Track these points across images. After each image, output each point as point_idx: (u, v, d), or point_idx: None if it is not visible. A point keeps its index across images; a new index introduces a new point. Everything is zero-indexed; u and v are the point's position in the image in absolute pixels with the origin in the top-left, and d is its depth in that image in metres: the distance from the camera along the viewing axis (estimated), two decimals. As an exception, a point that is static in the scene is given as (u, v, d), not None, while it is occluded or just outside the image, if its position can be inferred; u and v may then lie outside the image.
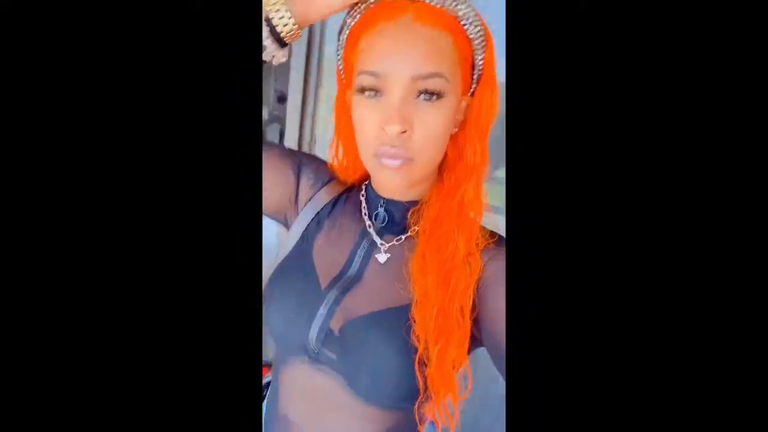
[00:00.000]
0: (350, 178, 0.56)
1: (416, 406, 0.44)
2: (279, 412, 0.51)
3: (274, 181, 0.54)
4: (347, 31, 0.45)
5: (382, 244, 0.50)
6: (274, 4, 0.44)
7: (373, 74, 0.41)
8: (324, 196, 0.55)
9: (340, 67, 0.49)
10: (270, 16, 0.44)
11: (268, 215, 0.56)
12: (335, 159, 0.55)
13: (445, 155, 0.47)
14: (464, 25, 0.42)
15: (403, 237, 0.50)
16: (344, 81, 0.49)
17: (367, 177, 0.54)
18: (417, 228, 0.48)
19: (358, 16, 0.44)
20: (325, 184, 0.56)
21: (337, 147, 0.54)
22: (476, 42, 0.44)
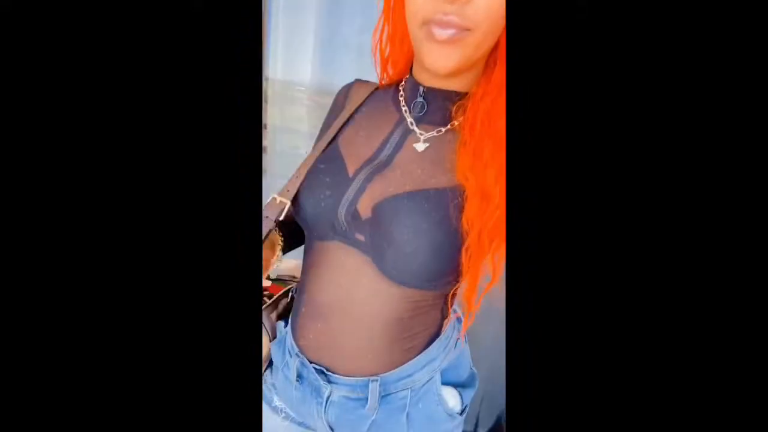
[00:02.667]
0: (396, 66, 0.52)
1: (449, 288, 0.46)
2: (305, 298, 0.52)
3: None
4: None
5: (421, 134, 0.47)
6: None
7: None
8: (351, 106, 0.53)
9: None
10: None
11: None
12: (378, 45, 0.51)
13: (497, 45, 0.43)
14: None
15: (444, 129, 0.47)
16: None
17: (404, 75, 0.52)
18: (459, 121, 0.46)
19: None
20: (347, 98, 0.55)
21: (382, 30, 0.50)
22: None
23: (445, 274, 0.44)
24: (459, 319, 0.57)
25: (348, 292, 0.48)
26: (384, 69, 0.53)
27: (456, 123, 0.46)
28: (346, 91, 0.57)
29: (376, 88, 0.55)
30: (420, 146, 0.47)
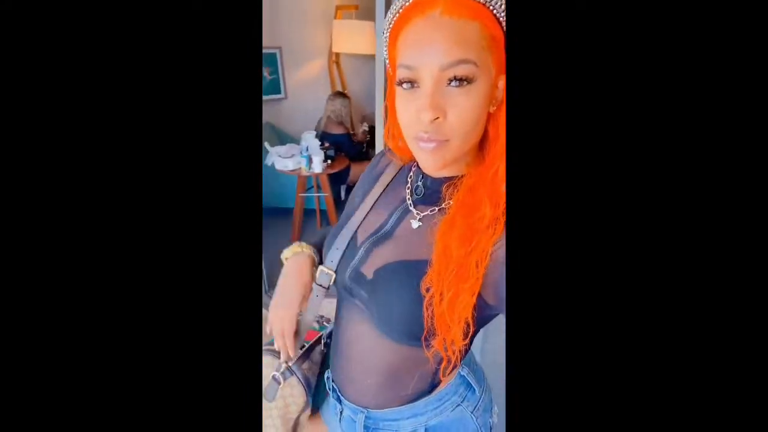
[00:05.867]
0: (405, 154, 0.62)
1: (423, 336, 0.51)
2: (334, 341, 0.65)
3: None
4: (389, 29, 0.50)
5: (418, 213, 0.56)
6: None
7: (407, 67, 0.46)
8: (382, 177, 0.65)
9: (386, 61, 0.55)
10: None
11: None
12: (389, 140, 0.62)
13: (486, 132, 0.51)
14: (492, 9, 0.45)
15: (437, 209, 0.55)
16: (391, 74, 0.54)
17: None
18: (451, 202, 0.53)
19: (397, 14, 0.48)
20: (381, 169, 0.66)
21: (390, 129, 0.60)
22: (506, 23, 0.45)
23: (421, 332, 0.51)
24: (469, 385, 0.65)
25: (355, 342, 0.60)
26: (400, 153, 0.63)
27: (449, 203, 0.54)
28: (378, 160, 0.68)
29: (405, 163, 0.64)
30: (415, 223, 0.56)
